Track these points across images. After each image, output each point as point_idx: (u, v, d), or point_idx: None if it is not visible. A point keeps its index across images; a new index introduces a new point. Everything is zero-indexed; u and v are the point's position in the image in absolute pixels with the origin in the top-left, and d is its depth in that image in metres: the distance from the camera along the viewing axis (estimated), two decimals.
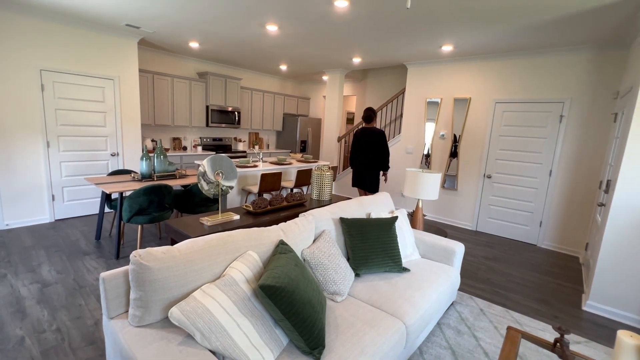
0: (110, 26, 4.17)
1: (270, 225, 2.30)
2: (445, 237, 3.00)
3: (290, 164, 4.80)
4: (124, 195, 3.66)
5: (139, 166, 3.84)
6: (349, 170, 6.44)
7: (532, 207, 4.35)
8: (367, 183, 4.20)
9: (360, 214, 2.49)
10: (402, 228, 2.56)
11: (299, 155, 5.53)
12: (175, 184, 3.46)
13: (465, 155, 4.89)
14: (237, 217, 2.16)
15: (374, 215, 2.51)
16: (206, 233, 1.87)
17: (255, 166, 4.30)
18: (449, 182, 5.06)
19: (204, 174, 1.93)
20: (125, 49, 4.52)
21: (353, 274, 2.08)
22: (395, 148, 5.70)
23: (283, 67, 6.43)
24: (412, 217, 3.16)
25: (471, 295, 2.85)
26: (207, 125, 6.13)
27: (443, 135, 5.07)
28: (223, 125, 6.35)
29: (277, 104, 7.47)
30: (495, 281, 3.21)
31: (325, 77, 7.45)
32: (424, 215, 3.17)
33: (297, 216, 2.22)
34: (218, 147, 6.64)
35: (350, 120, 8.86)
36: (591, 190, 3.92)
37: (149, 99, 5.27)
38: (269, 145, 7.83)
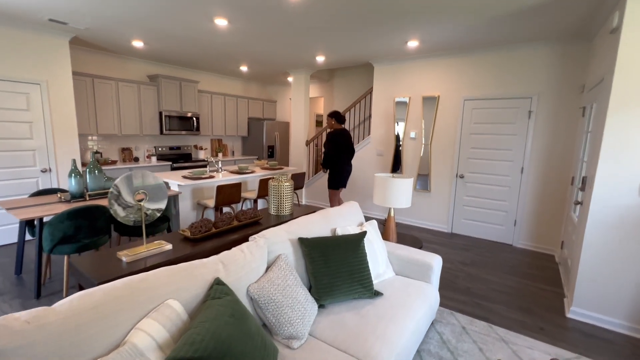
0: (31, 21, 3.58)
1: (218, 252, 1.90)
2: (421, 247, 2.73)
3: (252, 172, 4.39)
4: (44, 221, 3.09)
5: (68, 184, 3.28)
6: (320, 175, 6.12)
7: (506, 206, 4.23)
8: (347, 179, 4.45)
9: (324, 231, 2.16)
10: (373, 242, 2.25)
11: (263, 162, 5.13)
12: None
13: (437, 155, 4.71)
14: (169, 246, 1.74)
15: (340, 231, 2.18)
16: (122, 274, 1.45)
17: (211, 177, 3.85)
18: (421, 183, 4.87)
19: (117, 196, 1.50)
20: (54, 49, 3.92)
21: (316, 307, 1.73)
22: (365, 150, 5.45)
23: (244, 68, 6.01)
24: (384, 225, 2.87)
25: (452, 311, 2.59)
26: (162, 132, 5.57)
27: (413, 135, 4.87)
28: (183, 132, 5.82)
29: (240, 108, 7.02)
30: (475, 290, 2.99)
31: (290, 79, 7.11)
32: (397, 226, 2.88)
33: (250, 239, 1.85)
34: (176, 156, 6.09)
35: (319, 123, 8.56)
36: (563, 186, 3.83)
37: (89, 106, 4.67)
38: (233, 152, 7.35)
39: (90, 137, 4.96)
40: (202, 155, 6.38)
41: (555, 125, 3.83)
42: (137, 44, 4.37)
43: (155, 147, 5.81)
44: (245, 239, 2.11)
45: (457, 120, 4.47)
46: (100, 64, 4.99)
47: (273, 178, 2.49)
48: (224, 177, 3.97)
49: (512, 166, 4.14)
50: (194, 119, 5.99)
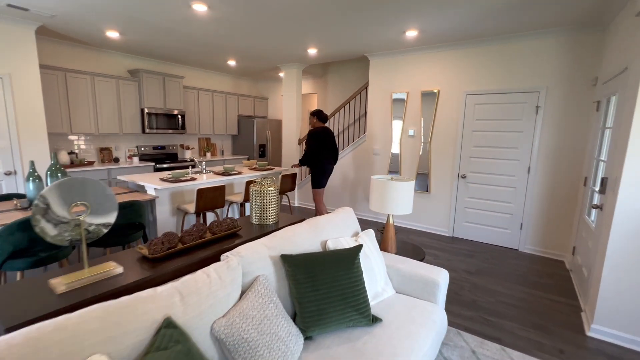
0: None
1: (184, 274, 1.58)
2: (423, 259, 2.43)
3: (239, 173, 4.07)
4: None
5: (25, 189, 2.93)
6: None
7: (512, 208, 3.95)
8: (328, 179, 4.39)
9: (313, 245, 1.84)
10: (370, 256, 1.94)
11: (252, 162, 4.80)
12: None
13: (437, 154, 4.42)
14: (119, 269, 1.41)
15: (331, 245, 1.87)
16: (47, 313, 1.13)
17: (192, 179, 3.52)
18: (420, 183, 4.57)
19: (45, 211, 1.18)
20: (18, 40, 3.56)
21: (301, 340, 1.42)
22: (361, 149, 5.14)
23: (232, 63, 5.66)
24: (382, 234, 2.56)
25: (459, 330, 2.30)
26: (143, 131, 5.22)
27: (412, 133, 4.57)
28: (167, 130, 5.46)
29: (230, 105, 6.67)
30: (483, 303, 2.70)
31: (282, 74, 6.77)
32: (396, 232, 2.58)
33: (226, 256, 1.53)
34: (161, 156, 5.73)
35: None
36: (574, 187, 3.56)
37: (62, 102, 4.30)
38: (223, 151, 7.01)
39: (73, 137, 4.59)
40: (188, 155, 6.03)
41: (565, 121, 3.55)
42: (112, 34, 4.01)
43: (137, 146, 5.45)
44: (219, 256, 1.79)
45: (459, 116, 4.18)
46: (74, 58, 4.62)
47: (254, 182, 2.17)
48: (206, 179, 3.63)
49: (518, 166, 3.85)
50: (179, 116, 5.63)
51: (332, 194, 5.57)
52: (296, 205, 6.06)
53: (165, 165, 5.33)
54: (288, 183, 4.33)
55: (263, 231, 2.09)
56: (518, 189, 3.88)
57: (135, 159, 5.26)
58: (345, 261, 1.67)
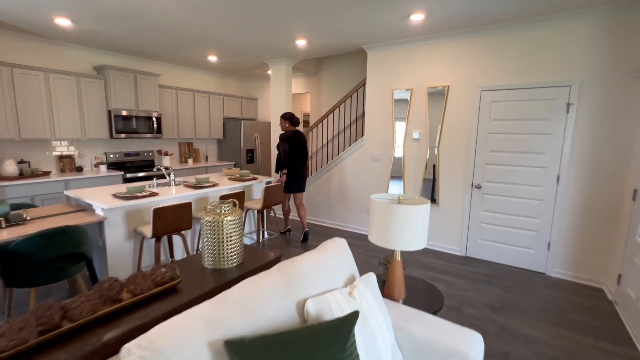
0: None
1: None
2: (441, 308, 1.81)
3: (214, 185, 3.44)
4: None
5: None
6: (309, 183, 5.17)
7: (537, 224, 3.34)
8: (304, 184, 4.21)
9: (285, 311, 1.22)
10: (370, 319, 1.32)
11: (235, 171, 4.17)
12: None
13: (446, 161, 3.81)
14: None
15: (313, 309, 1.25)
16: None
17: (153, 194, 2.89)
18: (427, 194, 3.96)
19: None
20: None
21: None
22: (359, 154, 4.53)
23: (213, 58, 5.05)
24: (388, 271, 1.95)
25: None
26: (112, 136, 4.59)
27: (417, 136, 3.96)
28: (143, 135, 4.83)
29: (214, 106, 6.05)
30: (518, 357, 2.08)
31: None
32: (404, 266, 1.96)
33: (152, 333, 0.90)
34: (133, 164, 5.10)
35: (307, 122, 7.62)
36: (616, 200, 2.95)
37: (7, 103, 3.67)
38: (207, 157, 6.38)
39: (23, 144, 3.96)
40: (167, 161, 5.41)
41: (604, 120, 2.95)
42: (62, 22, 3.39)
43: (106, 153, 4.82)
44: (143, 331, 1.16)
45: (472, 116, 3.58)
46: (25, 52, 3.99)
47: (207, 209, 1.55)
48: (173, 194, 3.01)
49: (544, 174, 3.25)
50: (154, 119, 5.01)
51: (325, 205, 4.95)
52: (291, 217, 5.42)
53: (140, 175, 4.71)
54: (274, 195, 3.71)
55: (219, 282, 1.46)
56: (545, 202, 3.27)
57: (103, 168, 4.63)
58: (334, 342, 1.05)
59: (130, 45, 4.35)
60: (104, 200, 2.68)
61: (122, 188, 3.14)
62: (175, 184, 3.57)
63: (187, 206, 2.73)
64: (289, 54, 4.67)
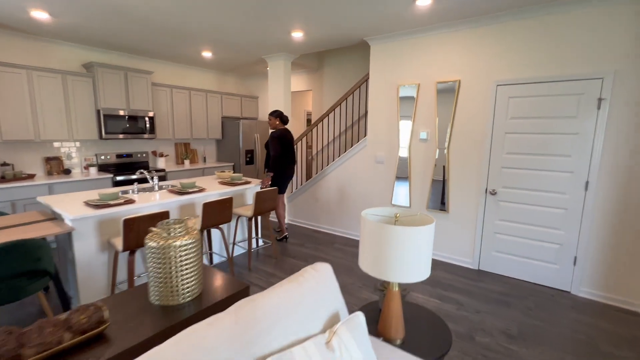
0: None
1: None
2: (448, 349, 1.47)
3: (200, 190, 3.16)
4: None
5: None
6: (309, 185, 4.87)
7: (561, 236, 2.94)
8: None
9: None
10: None
11: (227, 174, 3.89)
12: None
13: (457, 163, 3.43)
14: None
15: None
16: None
17: (128, 202, 2.63)
18: (436, 200, 3.59)
19: None
20: None
21: None
22: (361, 156, 4.19)
23: (207, 54, 4.78)
24: (381, 308, 1.62)
25: None
26: (101, 137, 4.37)
27: (424, 136, 3.60)
28: (135, 135, 4.61)
29: (212, 105, 5.80)
30: None
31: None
32: (404, 295, 1.63)
33: None
34: (126, 166, 4.88)
35: (310, 121, 7.30)
36: None
37: None
38: (205, 158, 6.13)
39: (4, 145, 3.77)
40: (161, 163, 5.18)
41: None
42: (40, 15, 3.16)
43: (97, 154, 4.61)
44: None
45: (487, 114, 3.19)
46: (8, 48, 3.80)
47: (153, 232, 1.25)
48: (147, 203, 2.74)
49: (570, 180, 2.85)
50: (146, 118, 4.78)
51: (325, 210, 4.63)
52: (286, 221, 5.13)
53: (133, 177, 4.48)
54: (267, 201, 3.41)
55: (166, 324, 1.16)
56: (571, 211, 2.87)
57: (93, 170, 4.43)
58: None
59: (119, 42, 4.11)
60: (72, 208, 2.43)
61: (96, 195, 2.88)
62: (160, 189, 3.31)
63: (163, 215, 2.45)
64: (286, 48, 4.36)
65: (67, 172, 4.24)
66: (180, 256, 1.21)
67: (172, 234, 1.22)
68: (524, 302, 2.77)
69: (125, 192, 3.20)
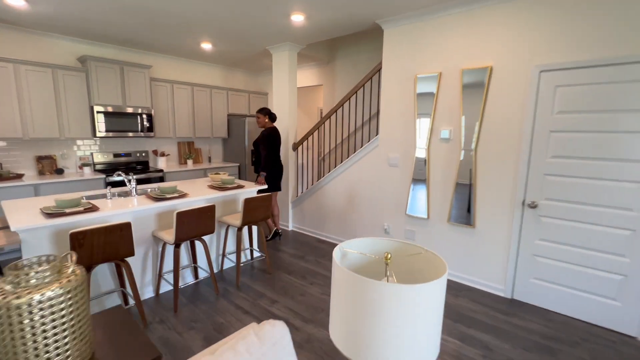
0: None
1: None
2: None
3: (182, 196, 2.77)
4: None
5: None
6: (315, 190, 4.40)
7: (626, 265, 2.27)
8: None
9: None
10: None
11: (218, 177, 3.48)
12: None
13: (486, 168, 2.82)
14: None
15: None
16: None
17: (89, 210, 2.27)
18: (460, 212, 2.99)
19: None
20: None
21: None
22: (371, 157, 3.65)
23: (207, 46, 4.42)
24: None
25: None
26: (95, 134, 4.13)
27: (446, 135, 3.01)
28: (131, 134, 4.35)
29: (217, 102, 5.46)
30: None
31: None
32: None
33: None
34: (123, 165, 4.64)
35: None
36: None
37: None
38: (210, 158, 5.81)
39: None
40: (161, 163, 4.91)
41: None
42: (15, 2, 2.90)
43: (92, 153, 4.39)
44: None
45: (526, 108, 2.57)
46: None
47: (2, 291, 0.83)
48: (112, 211, 2.37)
49: (639, 192, 2.18)
50: (144, 115, 4.50)
51: (329, 219, 4.12)
52: (290, 229, 4.69)
53: (129, 177, 4.21)
54: (259, 210, 2.97)
55: None
56: (639, 233, 2.20)
57: (88, 170, 4.20)
58: None
59: (112, 33, 3.83)
60: (22, 216, 2.10)
61: (52, 201, 2.56)
62: (142, 193, 2.96)
63: (123, 227, 2.07)
64: (290, 37, 3.90)
65: (60, 172, 4.03)
66: (35, 320, 0.77)
67: (22, 284, 0.78)
68: (573, 350, 2.14)
69: (103, 196, 2.87)
